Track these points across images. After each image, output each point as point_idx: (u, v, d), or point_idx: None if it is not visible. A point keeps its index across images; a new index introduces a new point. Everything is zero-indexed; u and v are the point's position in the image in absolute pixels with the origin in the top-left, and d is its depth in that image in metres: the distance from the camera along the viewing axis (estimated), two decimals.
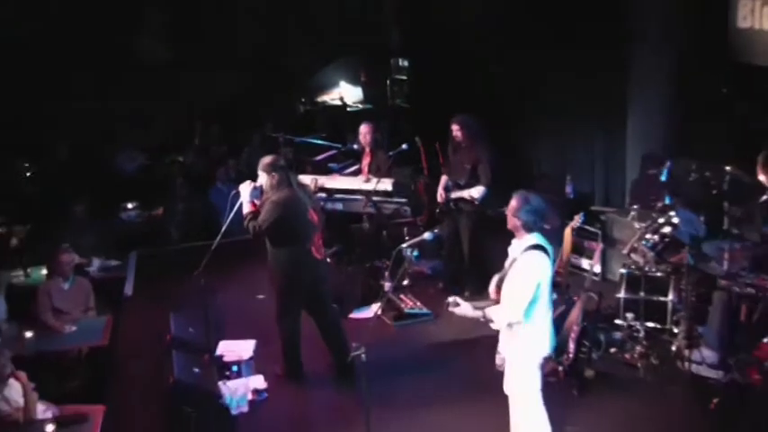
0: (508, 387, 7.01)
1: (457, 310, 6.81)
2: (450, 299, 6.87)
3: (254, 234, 8.49)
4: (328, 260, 10.08)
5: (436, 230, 9.04)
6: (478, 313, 6.78)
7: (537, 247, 6.73)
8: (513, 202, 6.83)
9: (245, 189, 8.61)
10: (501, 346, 7.02)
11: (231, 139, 15.23)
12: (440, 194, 10.95)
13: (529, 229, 6.77)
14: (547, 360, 7.05)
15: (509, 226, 6.91)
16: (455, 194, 10.74)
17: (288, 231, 8.50)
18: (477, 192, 10.44)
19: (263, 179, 8.56)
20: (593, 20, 12.73)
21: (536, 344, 6.81)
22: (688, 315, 9.03)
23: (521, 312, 6.62)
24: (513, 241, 6.95)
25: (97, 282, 10.67)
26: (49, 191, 13.41)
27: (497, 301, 6.84)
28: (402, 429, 8.00)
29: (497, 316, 6.71)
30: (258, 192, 8.53)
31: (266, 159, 8.64)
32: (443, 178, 11.01)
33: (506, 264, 6.93)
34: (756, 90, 10.10)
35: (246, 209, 8.53)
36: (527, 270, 6.65)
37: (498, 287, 6.86)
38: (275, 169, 8.52)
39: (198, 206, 13.72)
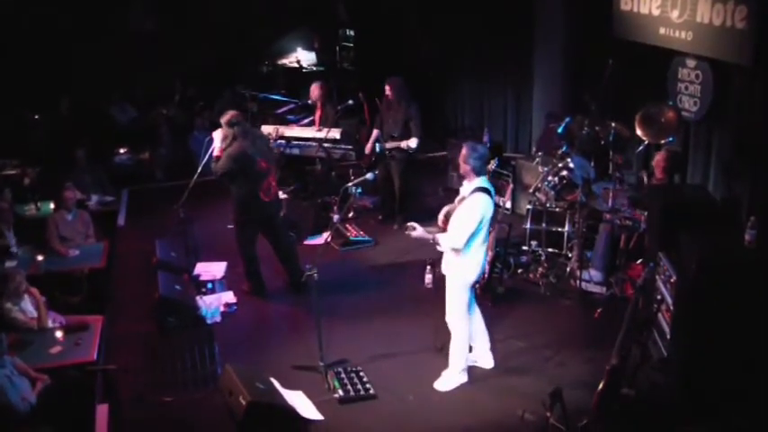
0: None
1: (414, 234, 6.86)
2: (409, 224, 6.90)
3: (215, 175, 8.55)
4: (284, 196, 10.13)
5: (376, 171, 9.14)
6: (429, 236, 6.85)
7: (483, 189, 6.79)
8: (464, 151, 6.86)
9: (218, 135, 8.61)
10: (443, 268, 7.11)
11: (207, 94, 15.09)
12: (367, 148, 11.01)
13: (477, 173, 6.83)
14: (475, 284, 7.22)
15: (461, 171, 6.98)
16: (390, 144, 10.75)
17: (238, 178, 8.51)
18: (413, 143, 10.48)
19: (221, 130, 8.56)
20: (506, 4, 12.83)
21: (469, 270, 6.93)
22: (579, 242, 9.17)
23: (463, 241, 6.71)
24: (464, 182, 7.00)
25: (95, 214, 10.58)
26: (55, 138, 13.25)
27: (444, 230, 6.91)
28: (346, 334, 8.07)
29: (444, 241, 6.79)
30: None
31: (225, 116, 8.61)
32: (375, 132, 11.05)
33: (456, 200, 7.01)
34: (635, 61, 10.22)
35: (216, 152, 8.54)
36: (474, 208, 6.72)
37: (446, 218, 6.95)
38: (230, 125, 8.49)
39: (179, 151, 13.66)
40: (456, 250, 6.80)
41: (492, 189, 6.92)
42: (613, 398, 6.23)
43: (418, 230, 6.86)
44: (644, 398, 6.56)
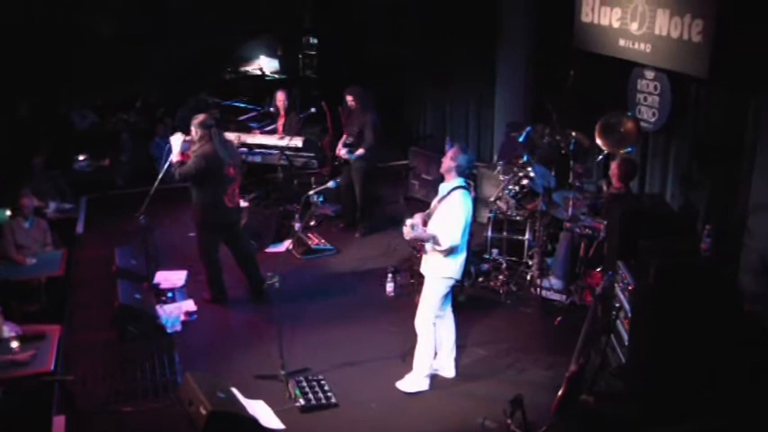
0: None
1: (412, 234, 6.80)
2: (408, 221, 6.84)
3: (180, 179, 8.47)
4: (246, 204, 10.11)
5: (338, 179, 9.16)
6: (428, 235, 6.84)
7: (463, 187, 6.90)
8: (454, 149, 6.98)
9: (177, 141, 8.50)
10: (423, 268, 7.16)
11: (169, 100, 15.02)
12: (338, 149, 11.05)
13: (460, 173, 6.91)
14: (456, 284, 7.28)
15: (443, 168, 7.02)
16: (338, 152, 10.84)
17: (205, 181, 8.43)
18: (358, 152, 10.59)
19: (193, 132, 8.51)
20: (469, 14, 12.92)
21: (453, 269, 7.00)
22: (540, 251, 9.25)
23: (459, 237, 6.76)
24: (442, 184, 7.07)
25: (53, 222, 10.50)
26: (13, 144, 13.11)
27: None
28: (307, 343, 8.06)
29: (443, 238, 6.78)
30: (187, 145, 8.47)
31: (198, 117, 8.54)
32: (344, 136, 11.09)
33: (434, 201, 7.07)
34: (595, 72, 10.35)
35: (175, 158, 8.43)
36: (459, 204, 6.80)
37: (425, 222, 7.00)
38: (203, 127, 8.41)
39: (140, 157, 13.59)
40: (446, 250, 6.83)
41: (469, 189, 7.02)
42: (573, 404, 6.30)
43: (417, 230, 6.81)
44: (603, 404, 6.63)
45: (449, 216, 6.82)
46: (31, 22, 14.09)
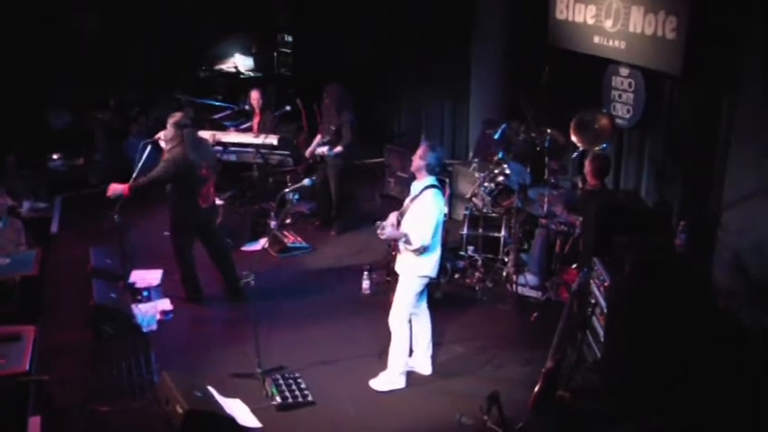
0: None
1: (386, 232, 6.85)
2: (379, 223, 6.89)
3: (150, 185, 8.44)
4: (221, 203, 10.07)
5: (314, 177, 9.15)
6: (401, 234, 6.88)
7: (435, 186, 6.91)
8: (423, 147, 6.96)
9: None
10: (397, 267, 7.17)
11: (144, 99, 14.92)
12: (308, 152, 11.02)
13: (430, 171, 6.91)
14: (431, 282, 7.29)
15: (413, 167, 7.04)
16: (317, 150, 10.83)
17: (177, 183, 8.43)
18: (336, 149, 10.59)
19: (167, 131, 8.48)
20: (444, 12, 12.94)
21: (427, 267, 7.02)
22: (515, 247, 9.28)
23: (430, 237, 6.78)
24: (414, 183, 7.08)
25: (27, 221, 10.38)
26: None
27: None
28: (284, 341, 8.02)
29: (414, 238, 6.80)
30: None
31: (174, 116, 8.48)
32: (318, 137, 11.06)
33: (407, 200, 7.08)
34: (570, 69, 10.40)
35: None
36: (430, 203, 6.82)
37: (398, 222, 7.00)
38: (177, 127, 8.36)
39: (114, 156, 13.48)
40: (417, 250, 6.84)
41: (442, 188, 7.03)
42: (549, 399, 6.32)
43: (388, 230, 6.87)
44: (579, 399, 6.67)
45: (420, 216, 6.83)
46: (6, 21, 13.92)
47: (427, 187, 6.89)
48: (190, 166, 8.33)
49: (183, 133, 8.36)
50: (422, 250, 6.86)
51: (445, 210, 10.09)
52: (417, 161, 6.95)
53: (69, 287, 9.13)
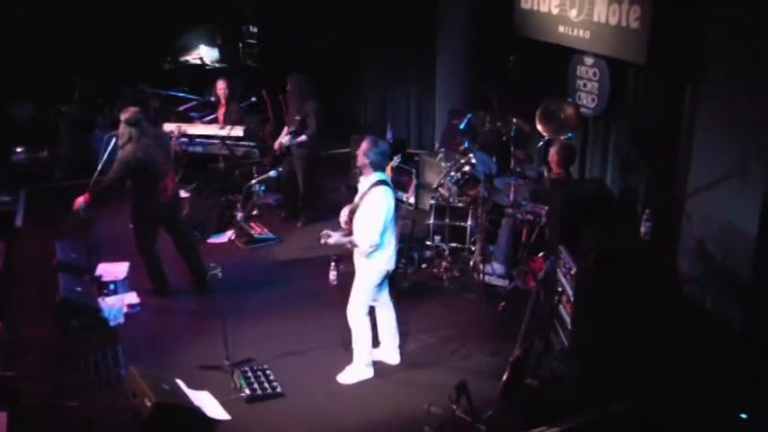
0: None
1: (330, 241, 6.88)
2: (323, 232, 6.89)
3: (108, 189, 8.41)
4: (187, 195, 10.00)
5: (280, 169, 9.11)
6: (346, 240, 6.89)
7: (382, 182, 6.85)
8: (364, 145, 6.88)
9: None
10: (355, 259, 7.15)
11: (109, 91, 14.76)
12: (278, 143, 10.98)
13: (375, 167, 6.86)
14: (389, 273, 7.25)
15: (358, 164, 7.00)
16: (280, 140, 10.77)
17: (134, 181, 8.42)
18: (300, 138, 10.56)
19: (120, 128, 8.40)
20: (410, 2, 12.92)
21: (382, 260, 6.99)
22: (482, 237, 9.29)
23: (378, 236, 6.75)
24: (361, 178, 7.03)
25: None
26: None
27: (350, 230, 6.95)
28: (252, 333, 8.00)
29: (362, 241, 6.82)
30: None
31: (125, 113, 8.39)
32: (286, 128, 11.02)
33: (356, 198, 7.01)
34: (536, 58, 10.43)
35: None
36: (378, 201, 6.77)
37: (350, 218, 6.96)
38: (127, 124, 8.30)
39: (79, 149, 13.34)
40: (372, 247, 6.83)
41: (390, 182, 7.00)
42: (517, 388, 6.34)
43: (333, 237, 6.88)
44: (547, 387, 6.70)
45: (367, 216, 6.81)
46: None
47: (375, 184, 6.85)
48: (143, 164, 8.27)
49: (134, 130, 8.29)
50: (372, 249, 6.85)
51: (411, 200, 10.25)
52: (361, 158, 6.91)
53: (35, 281, 9.06)
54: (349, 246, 6.95)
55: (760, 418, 5.91)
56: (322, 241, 6.91)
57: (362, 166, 6.96)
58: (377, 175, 6.89)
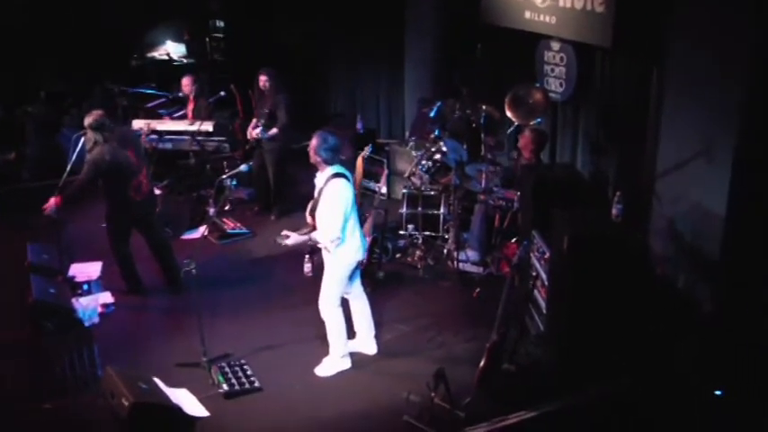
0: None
1: (289, 242, 6.85)
2: (282, 233, 6.85)
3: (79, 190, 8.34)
4: (158, 192, 9.93)
5: (251, 163, 9.07)
6: (305, 238, 6.87)
7: (338, 175, 6.81)
8: (314, 141, 6.82)
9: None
10: (323, 252, 7.12)
11: (76, 90, 14.63)
12: (249, 133, 10.91)
13: (328, 163, 6.83)
14: (359, 264, 7.25)
15: (312, 161, 6.95)
16: (252, 133, 10.72)
17: (105, 181, 8.35)
18: (271, 132, 10.53)
19: (88, 131, 8.36)
20: None
21: (349, 252, 6.97)
22: (455, 224, 9.29)
23: (338, 231, 6.72)
24: (317, 173, 6.99)
25: None
26: None
27: (314, 226, 6.93)
28: (228, 328, 7.99)
29: (322, 237, 6.80)
30: None
31: (89, 117, 8.33)
32: (254, 121, 10.97)
33: (315, 193, 6.98)
34: (504, 44, 10.44)
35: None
36: (335, 195, 6.73)
37: (312, 214, 6.94)
38: (92, 128, 8.26)
39: (47, 150, 13.21)
40: (331, 243, 6.81)
41: (348, 173, 6.97)
42: (495, 374, 6.37)
43: (292, 237, 6.85)
44: (524, 372, 6.74)
45: (326, 211, 6.79)
46: None
47: (331, 177, 6.82)
48: (112, 164, 8.21)
49: (99, 134, 8.23)
50: (335, 243, 6.84)
51: (383, 189, 10.24)
52: (312, 155, 6.87)
53: (7, 284, 8.95)
54: (309, 243, 6.95)
55: (732, 395, 5.97)
56: (280, 243, 6.88)
57: (316, 164, 6.92)
58: (332, 169, 6.85)
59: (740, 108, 6.83)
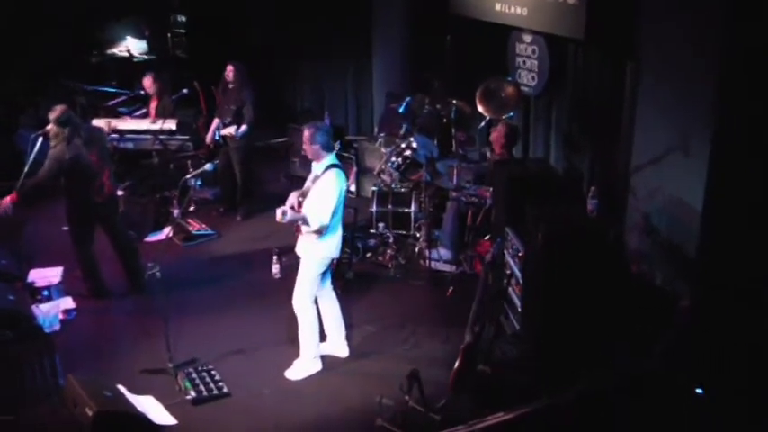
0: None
1: (288, 217, 6.72)
2: (282, 209, 6.74)
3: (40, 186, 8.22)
4: (120, 193, 9.83)
5: (216, 162, 8.99)
6: (301, 216, 6.81)
7: (335, 166, 6.86)
8: (306, 133, 6.86)
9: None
10: (298, 249, 7.10)
11: (31, 89, 14.45)
12: (208, 137, 10.84)
13: (327, 148, 6.86)
14: (334, 261, 7.26)
15: (309, 155, 6.95)
16: (223, 131, 10.67)
17: (67, 180, 8.25)
18: (241, 129, 10.47)
19: (51, 127, 8.21)
20: None
21: (328, 247, 6.98)
22: (427, 222, 9.28)
23: (329, 217, 6.74)
24: (314, 164, 6.99)
25: None
26: None
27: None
28: (195, 332, 7.89)
29: (312, 219, 6.75)
30: None
31: (54, 112, 8.19)
32: (215, 121, 10.88)
33: (308, 181, 7.02)
34: (474, 37, 10.43)
35: None
36: (331, 184, 6.77)
37: (300, 203, 6.93)
38: (57, 123, 8.13)
39: (3, 150, 13.03)
40: (318, 231, 6.80)
41: (342, 166, 6.99)
42: (470, 375, 6.35)
43: (290, 213, 6.78)
44: (500, 372, 6.71)
45: (319, 197, 6.79)
46: None
47: (328, 167, 6.85)
48: (74, 163, 8.10)
49: (66, 130, 8.12)
50: (322, 231, 6.83)
51: (352, 187, 10.20)
52: (309, 147, 6.88)
53: None
54: (301, 222, 6.87)
55: (711, 392, 5.98)
56: (278, 218, 6.77)
57: (313, 155, 6.91)
58: (330, 159, 6.90)
59: (716, 100, 6.84)
